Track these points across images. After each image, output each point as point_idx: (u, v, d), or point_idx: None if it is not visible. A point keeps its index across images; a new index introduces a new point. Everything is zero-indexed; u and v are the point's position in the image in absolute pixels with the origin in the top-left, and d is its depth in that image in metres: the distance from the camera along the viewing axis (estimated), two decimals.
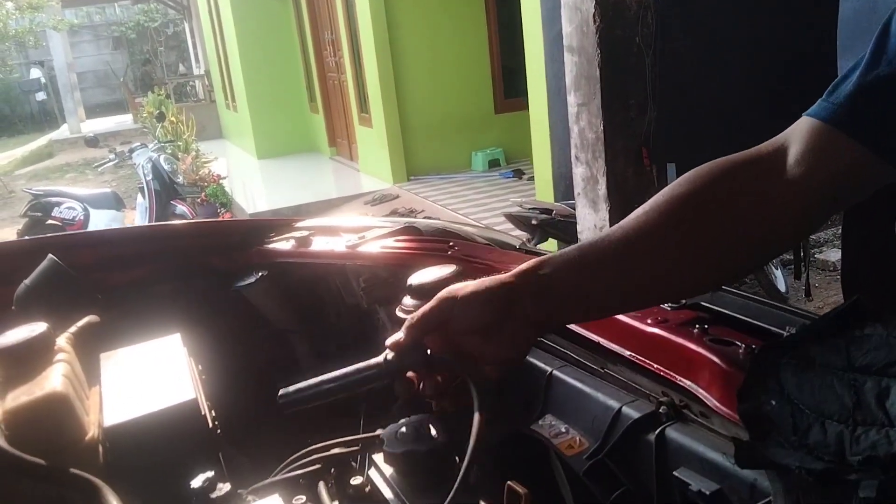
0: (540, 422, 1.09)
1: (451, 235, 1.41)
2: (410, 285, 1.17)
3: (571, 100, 3.24)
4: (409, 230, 1.45)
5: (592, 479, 0.96)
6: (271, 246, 1.52)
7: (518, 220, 4.98)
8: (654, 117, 3.10)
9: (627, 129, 3.16)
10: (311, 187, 9.21)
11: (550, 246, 4.64)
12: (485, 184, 8.18)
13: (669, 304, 1.05)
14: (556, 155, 5.56)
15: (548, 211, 4.83)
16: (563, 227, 4.49)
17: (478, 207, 7.20)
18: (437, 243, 1.37)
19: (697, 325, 0.97)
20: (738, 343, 0.90)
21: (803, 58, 2.99)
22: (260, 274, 1.45)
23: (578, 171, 3.38)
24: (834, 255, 5.43)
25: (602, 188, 3.25)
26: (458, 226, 1.49)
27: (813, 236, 6.04)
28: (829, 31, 2.95)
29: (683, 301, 1.04)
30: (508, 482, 0.95)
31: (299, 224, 1.61)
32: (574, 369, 1.11)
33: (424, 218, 6.63)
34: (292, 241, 1.49)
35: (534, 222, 4.80)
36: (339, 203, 8.05)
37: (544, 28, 5.14)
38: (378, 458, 0.87)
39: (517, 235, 5.20)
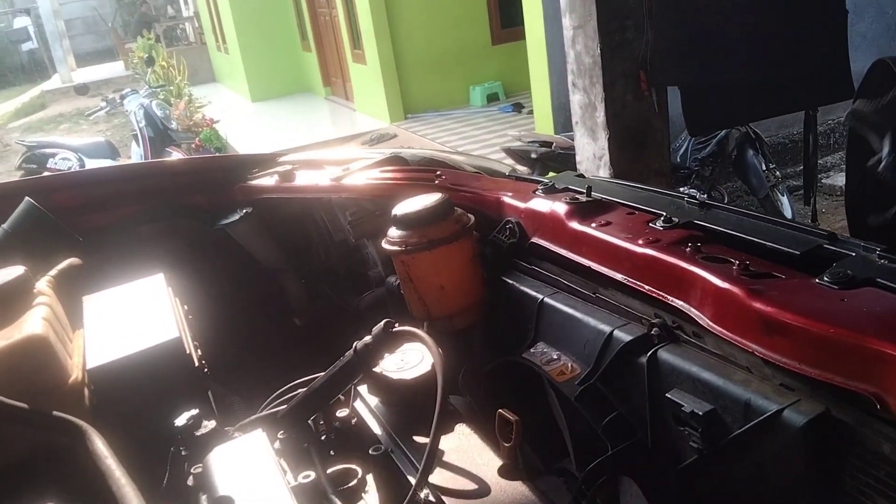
0: (532, 349, 1.07)
1: (438, 164, 1.37)
2: (395, 215, 1.14)
3: (566, 22, 3.12)
4: (395, 160, 1.41)
5: (584, 405, 0.94)
6: (255, 182, 1.48)
7: (517, 155, 4.91)
8: (651, 38, 2.98)
9: (625, 52, 3.05)
10: (307, 129, 9.09)
11: None
12: (484, 119, 8.05)
13: (662, 224, 1.01)
14: (554, 85, 5.44)
15: (547, 144, 4.75)
16: (563, 160, 4.42)
17: (477, 143, 7.10)
18: (423, 173, 1.33)
19: (690, 244, 0.93)
20: (732, 260, 0.86)
21: None
22: (244, 211, 1.42)
23: (576, 99, 3.29)
24: (840, 179, 5.35)
25: (601, 115, 3.17)
26: (447, 154, 1.44)
27: (820, 161, 5.95)
28: None
29: (676, 220, 1.01)
30: (500, 410, 0.93)
31: (283, 158, 1.57)
32: (565, 296, 1.08)
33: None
34: (276, 177, 1.45)
35: (533, 156, 4.73)
36: (336, 144, 7.94)
37: None
38: (363, 389, 0.86)
39: (518, 170, 5.16)
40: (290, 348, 1.40)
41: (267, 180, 1.47)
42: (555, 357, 1.03)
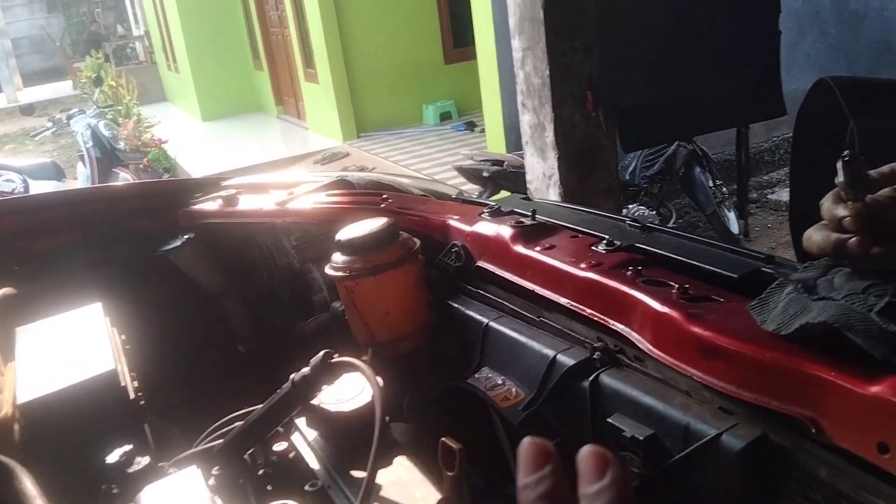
0: (477, 375, 1.06)
1: (384, 188, 1.36)
2: (339, 241, 1.12)
3: (515, 44, 3.16)
4: (341, 184, 1.39)
5: (528, 431, 0.94)
6: (198, 207, 1.45)
7: (469, 173, 4.93)
8: (598, 60, 3.03)
9: (573, 73, 3.10)
10: (259, 148, 8.99)
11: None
12: (436, 138, 8.08)
13: (604, 247, 1.02)
14: (506, 104, 5.49)
15: (499, 162, 4.78)
16: (514, 178, 4.46)
17: (430, 162, 7.12)
18: (369, 196, 1.32)
19: (631, 268, 0.94)
20: (672, 283, 0.87)
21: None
22: (186, 237, 1.39)
23: (525, 119, 3.32)
24: (786, 195, 5.51)
25: (550, 135, 3.20)
26: (393, 177, 1.43)
27: (765, 176, 6.12)
28: None
29: (618, 243, 1.01)
30: (443, 438, 0.92)
31: (226, 182, 1.54)
32: (510, 319, 1.08)
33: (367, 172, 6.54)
34: (219, 201, 1.42)
35: (485, 174, 4.75)
36: (288, 163, 7.89)
37: None
38: (301, 422, 0.84)
39: (469, 189, 5.17)
40: (233, 376, 1.37)
41: (210, 205, 1.45)
42: (499, 382, 1.03)
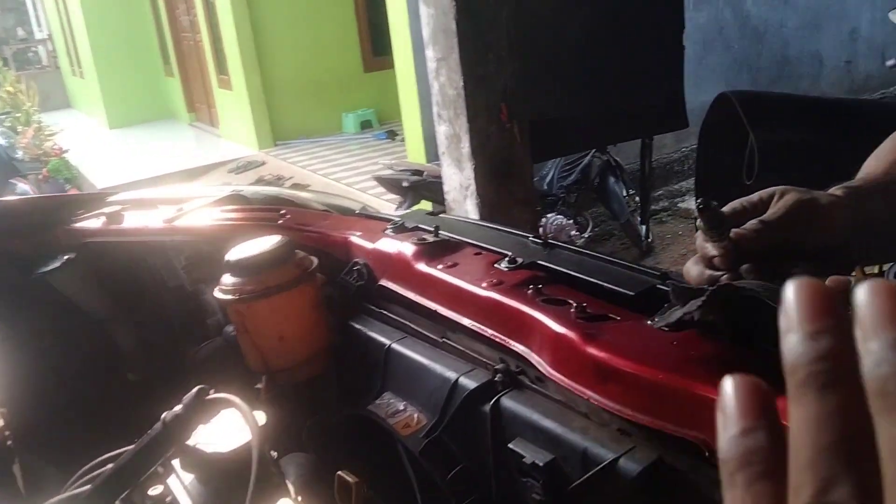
0: (378, 400, 1.02)
1: (282, 203, 1.30)
2: (229, 261, 1.06)
3: (430, 54, 3.14)
4: (235, 199, 1.33)
5: (429, 458, 0.90)
6: (80, 224, 1.35)
7: (389, 184, 4.89)
8: (511, 71, 3.05)
9: (488, 84, 3.10)
10: (170, 156, 8.70)
11: (424, 208, 4.58)
12: (357, 146, 8.00)
13: (506, 265, 0.99)
14: (425, 114, 5.47)
15: (419, 172, 4.75)
16: (434, 189, 4.43)
17: (349, 171, 7.03)
18: (265, 212, 1.26)
19: (532, 286, 0.91)
20: (571, 301, 0.85)
21: (651, 14, 3.04)
22: (66, 257, 1.29)
23: (441, 130, 3.30)
24: (693, 203, 5.69)
25: (466, 146, 3.19)
26: (292, 192, 1.38)
27: (675, 186, 6.31)
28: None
29: (520, 261, 0.99)
30: (338, 472, 0.87)
31: (112, 198, 1.45)
32: (414, 341, 1.04)
33: (292, 186, 6.41)
34: (103, 218, 1.33)
35: (405, 184, 4.71)
36: (201, 172, 7.65)
37: None
38: (177, 463, 0.78)
39: (390, 199, 5.12)
40: (122, 406, 1.27)
41: (93, 222, 1.35)
42: (401, 408, 0.98)
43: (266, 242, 1.06)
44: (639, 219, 4.89)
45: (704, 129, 2.30)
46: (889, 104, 4.30)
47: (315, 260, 1.10)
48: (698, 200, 0.66)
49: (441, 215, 1.28)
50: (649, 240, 4.29)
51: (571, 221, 4.69)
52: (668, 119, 3.02)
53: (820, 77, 6.39)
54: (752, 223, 0.69)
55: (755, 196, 0.73)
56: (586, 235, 4.76)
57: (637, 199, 4.90)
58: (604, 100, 3.05)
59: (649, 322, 0.73)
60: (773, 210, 0.71)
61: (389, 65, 6.42)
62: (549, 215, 4.60)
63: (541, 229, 4.09)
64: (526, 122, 3.15)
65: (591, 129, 3.21)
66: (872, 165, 0.86)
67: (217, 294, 1.05)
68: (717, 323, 0.68)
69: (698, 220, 0.67)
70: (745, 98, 2.12)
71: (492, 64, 3.09)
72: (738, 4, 5.91)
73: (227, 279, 1.04)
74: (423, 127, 5.58)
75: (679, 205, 5.72)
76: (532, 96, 3.01)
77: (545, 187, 4.78)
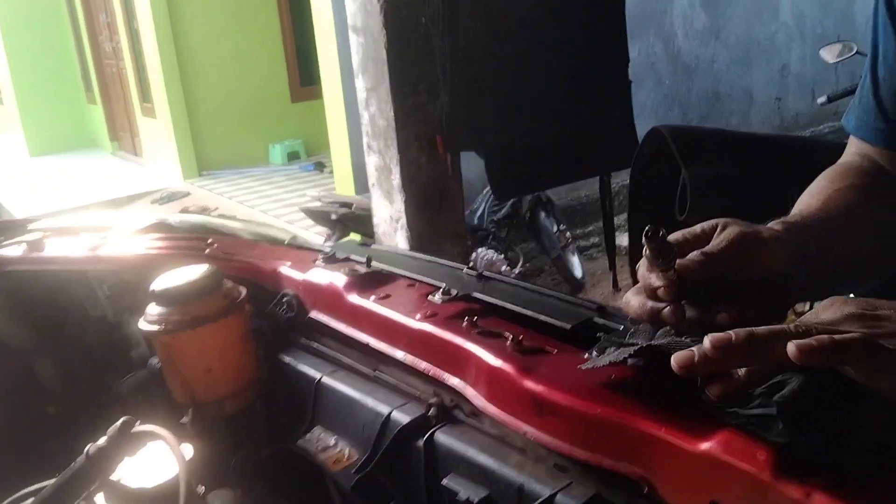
0: (308, 435, 0.99)
1: (210, 232, 1.27)
2: (154, 291, 1.02)
3: (359, 84, 3.12)
4: (160, 227, 1.28)
5: (361, 494, 0.87)
6: None
7: (317, 216, 4.83)
8: (446, 102, 3.03)
9: (419, 115, 3.10)
10: (91, 186, 8.41)
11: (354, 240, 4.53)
12: (284, 177, 7.90)
13: (440, 296, 0.98)
14: (354, 145, 5.45)
15: (347, 204, 4.71)
16: (363, 221, 4.40)
17: (276, 203, 6.93)
18: (192, 241, 1.22)
19: (467, 318, 0.91)
20: (507, 334, 0.84)
21: (595, 46, 3.06)
22: None
23: (371, 161, 3.29)
24: (626, 238, 5.78)
25: (396, 178, 3.18)
26: (221, 221, 1.34)
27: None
28: (619, 24, 3.08)
29: (455, 293, 0.98)
30: None
31: (33, 225, 1.39)
32: (345, 374, 1.02)
33: (217, 216, 6.26)
34: (24, 246, 1.27)
35: (333, 217, 4.66)
36: (123, 203, 7.41)
37: (335, 8, 5.00)
38: (101, 498, 0.73)
39: (318, 231, 5.05)
40: (41, 440, 1.21)
41: (13, 250, 1.29)
42: (332, 443, 0.96)
43: (193, 272, 1.02)
44: (569, 254, 4.96)
45: (636, 163, 2.34)
46: (818, 141, 4.49)
47: (244, 290, 1.07)
48: (647, 228, 0.65)
49: (373, 246, 1.26)
50: (613, 286, 4.32)
51: (502, 256, 4.72)
52: (622, 155, 3.03)
53: (750, 113, 6.56)
54: (694, 254, 0.69)
55: (697, 227, 0.73)
56: (517, 271, 4.79)
57: (567, 234, 4.98)
58: (549, 135, 3.06)
59: (581, 367, 0.73)
60: (716, 242, 0.71)
61: (318, 95, 6.40)
62: (479, 250, 4.62)
63: (471, 264, 4.09)
64: (458, 155, 3.15)
65: (549, 167, 3.21)
66: (807, 202, 0.89)
67: (142, 325, 1.01)
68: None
69: (644, 249, 0.67)
70: (677, 133, 2.17)
71: (423, 95, 3.08)
72: (669, 40, 6.04)
73: (153, 309, 1.00)
74: (352, 158, 5.55)
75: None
76: (468, 129, 3.00)
77: (476, 221, 4.81)
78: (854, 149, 1.04)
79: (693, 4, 6.08)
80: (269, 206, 6.85)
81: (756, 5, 6.37)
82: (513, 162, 3.09)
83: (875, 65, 1.02)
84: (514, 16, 3.00)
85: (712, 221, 0.75)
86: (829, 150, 1.16)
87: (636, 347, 0.67)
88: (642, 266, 0.70)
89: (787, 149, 2.35)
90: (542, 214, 4.90)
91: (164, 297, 1.00)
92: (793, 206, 0.92)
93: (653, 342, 0.67)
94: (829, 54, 3.62)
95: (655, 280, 0.68)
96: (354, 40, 3.04)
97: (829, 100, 3.66)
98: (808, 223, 0.82)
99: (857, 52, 3.41)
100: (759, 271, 0.71)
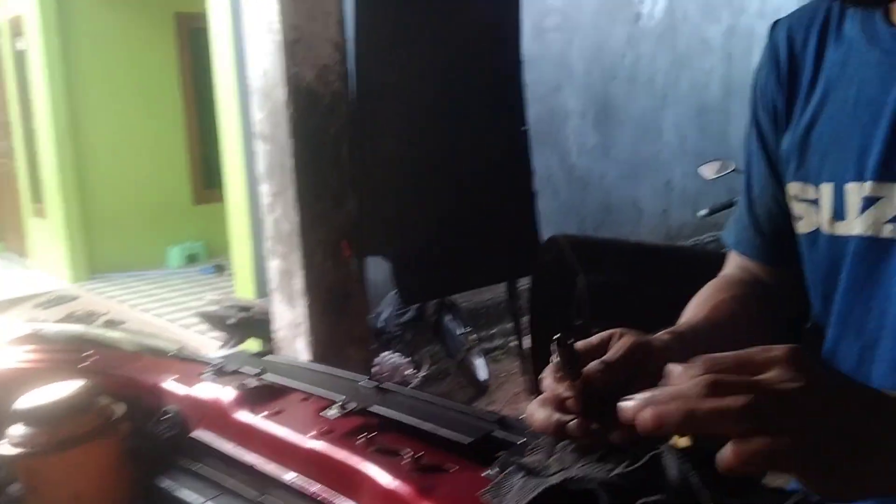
0: None
1: (89, 343, 1.18)
2: (16, 410, 0.93)
3: (265, 189, 3.11)
4: (32, 338, 1.19)
5: None
6: None
7: (214, 320, 4.66)
8: (353, 209, 3.05)
9: (324, 221, 3.09)
10: None
11: (249, 348, 4.38)
12: (181, 281, 7.65)
13: (337, 411, 0.93)
14: (257, 248, 5.37)
15: (247, 308, 4.58)
16: (263, 326, 4.26)
17: (172, 307, 6.67)
18: (67, 354, 1.13)
19: (364, 434, 0.86)
20: (405, 451, 0.80)
21: (502, 157, 3.19)
22: None
23: (274, 265, 3.23)
24: (528, 342, 5.86)
25: (299, 282, 3.13)
26: (101, 331, 1.26)
27: (509, 324, 6.50)
28: (523, 138, 3.23)
29: (352, 407, 0.94)
30: None
31: None
32: (229, 500, 0.94)
33: (106, 323, 5.96)
34: None
35: (231, 321, 4.51)
36: (5, 307, 6.95)
37: (244, 114, 5.03)
38: None
39: (215, 336, 4.86)
40: None
41: None
42: None
43: (64, 388, 0.94)
44: (474, 357, 4.96)
45: (536, 270, 2.40)
46: (701, 252, 4.75)
47: (121, 408, 0.99)
48: (557, 336, 0.64)
49: (267, 357, 1.20)
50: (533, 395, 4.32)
51: (407, 360, 4.66)
52: (529, 262, 3.11)
53: (640, 224, 6.93)
54: (594, 364, 0.69)
55: (595, 337, 0.74)
56: (422, 374, 4.74)
57: (472, 337, 4.99)
58: (455, 241, 3.11)
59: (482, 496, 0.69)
60: (613, 351, 0.71)
61: (220, 197, 6.31)
62: (383, 354, 4.55)
63: (375, 368, 4.02)
64: (363, 259, 3.15)
65: (458, 272, 3.25)
66: (693, 312, 0.92)
67: (3, 447, 0.91)
68: None
69: (553, 357, 0.65)
70: (574, 242, 2.25)
71: (328, 201, 3.10)
72: (564, 155, 6.38)
73: (17, 430, 0.91)
74: (253, 262, 5.45)
75: (511, 344, 5.89)
76: (377, 235, 3.02)
77: (380, 325, 4.76)
78: (734, 262, 1.11)
79: (585, 123, 6.48)
80: (165, 310, 6.58)
81: (641, 126, 6.86)
82: (419, 268, 3.11)
83: (750, 185, 1.09)
84: (423, 127, 3.11)
85: (609, 331, 0.75)
86: (710, 260, 1.23)
87: (544, 486, 0.63)
88: (548, 376, 0.69)
89: (674, 258, 2.47)
90: (448, 317, 4.91)
91: (29, 417, 0.91)
92: (679, 313, 0.95)
93: (568, 476, 0.64)
94: (708, 171, 3.87)
95: (564, 391, 0.67)
96: (261, 147, 3.05)
97: (710, 212, 3.90)
98: (694, 333, 0.84)
99: (734, 170, 3.67)
100: (651, 381, 0.72)
